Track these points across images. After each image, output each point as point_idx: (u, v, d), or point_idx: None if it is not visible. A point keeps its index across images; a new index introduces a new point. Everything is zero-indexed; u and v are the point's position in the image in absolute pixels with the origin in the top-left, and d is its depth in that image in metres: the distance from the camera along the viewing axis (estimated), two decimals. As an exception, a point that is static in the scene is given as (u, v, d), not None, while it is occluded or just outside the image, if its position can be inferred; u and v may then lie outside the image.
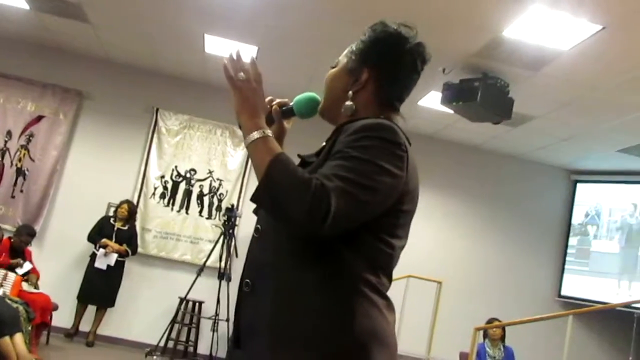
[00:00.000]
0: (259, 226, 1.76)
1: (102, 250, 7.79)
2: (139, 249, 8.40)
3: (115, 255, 7.85)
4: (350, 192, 1.53)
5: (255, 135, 1.64)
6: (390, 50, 1.83)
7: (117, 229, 7.98)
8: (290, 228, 1.59)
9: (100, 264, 7.77)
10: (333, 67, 1.90)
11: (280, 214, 1.56)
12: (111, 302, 7.95)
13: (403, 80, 1.86)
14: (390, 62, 1.83)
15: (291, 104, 1.92)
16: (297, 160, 1.83)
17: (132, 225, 8.15)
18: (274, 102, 1.92)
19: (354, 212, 1.56)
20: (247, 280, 1.72)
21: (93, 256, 7.86)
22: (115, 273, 7.89)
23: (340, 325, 1.58)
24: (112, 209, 8.23)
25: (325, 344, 1.56)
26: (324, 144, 1.80)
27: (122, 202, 8.09)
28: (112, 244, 7.86)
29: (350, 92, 1.81)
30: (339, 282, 1.61)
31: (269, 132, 1.67)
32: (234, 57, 1.78)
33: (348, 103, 1.80)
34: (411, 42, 1.86)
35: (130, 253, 8.04)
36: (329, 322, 1.58)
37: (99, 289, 7.82)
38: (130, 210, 8.08)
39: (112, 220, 8.06)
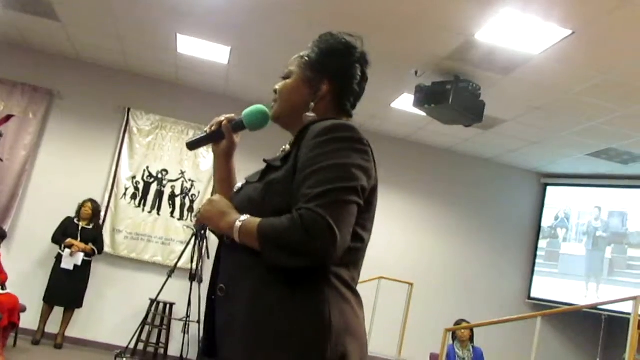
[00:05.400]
0: None
1: (67, 251, 7.70)
2: (110, 250, 8.33)
3: (81, 255, 7.76)
4: (335, 200, 1.60)
5: (237, 225, 1.68)
6: (345, 61, 1.90)
7: (82, 228, 7.90)
8: (315, 263, 1.61)
9: (67, 264, 7.67)
10: (285, 78, 1.96)
11: (298, 258, 1.59)
12: (79, 303, 7.85)
13: (357, 90, 1.93)
14: (345, 73, 1.90)
15: (240, 117, 1.99)
16: (262, 165, 1.89)
17: (96, 224, 8.08)
18: (223, 118, 2.00)
19: (349, 215, 1.63)
20: (222, 285, 1.76)
21: (58, 257, 7.77)
22: (81, 273, 7.79)
23: (314, 322, 1.61)
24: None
25: (301, 342, 1.60)
26: (287, 147, 1.87)
27: (85, 201, 7.99)
28: (78, 243, 7.77)
29: (312, 104, 1.87)
30: (312, 278, 1.65)
31: (243, 217, 1.70)
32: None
33: (310, 114, 1.86)
34: (359, 52, 1.93)
35: (96, 252, 7.97)
36: (304, 319, 1.61)
37: (66, 289, 7.71)
38: (93, 209, 8.00)
39: (76, 220, 7.96)
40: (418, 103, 6.53)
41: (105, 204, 8.43)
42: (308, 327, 1.61)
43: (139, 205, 8.58)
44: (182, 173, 8.72)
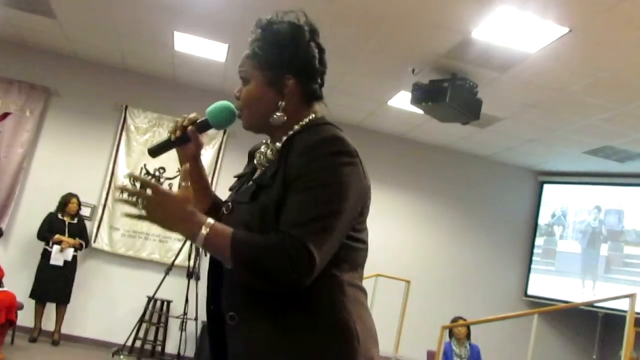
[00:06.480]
0: None
1: (56, 247, 7.70)
2: (107, 248, 8.34)
3: (71, 250, 7.77)
4: (324, 227, 1.56)
5: (203, 232, 1.60)
6: (299, 46, 1.78)
7: (69, 224, 7.92)
8: (285, 290, 1.57)
9: (57, 260, 7.67)
10: (243, 80, 1.85)
11: (270, 283, 1.55)
12: (67, 298, 7.84)
13: (320, 67, 1.82)
14: (304, 60, 1.78)
15: (205, 117, 1.90)
16: (233, 180, 1.87)
17: (80, 218, 8.09)
18: (186, 122, 1.88)
19: (335, 242, 1.60)
20: (232, 313, 1.69)
21: (45, 253, 7.76)
22: (69, 268, 7.80)
23: (343, 336, 1.61)
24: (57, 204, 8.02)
25: (334, 357, 1.59)
26: (269, 146, 1.80)
27: (70, 197, 7.97)
28: (67, 239, 7.78)
29: (282, 103, 1.76)
30: (329, 291, 1.63)
31: (210, 220, 1.61)
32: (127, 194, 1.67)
33: (278, 114, 1.75)
34: (306, 29, 1.80)
35: (84, 246, 7.99)
36: (331, 334, 1.60)
37: (54, 285, 7.70)
38: (79, 204, 8.03)
39: (60, 215, 7.96)
40: (415, 101, 6.53)
41: (103, 201, 8.43)
42: (337, 341, 1.60)
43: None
44: (180, 171, 8.70)
